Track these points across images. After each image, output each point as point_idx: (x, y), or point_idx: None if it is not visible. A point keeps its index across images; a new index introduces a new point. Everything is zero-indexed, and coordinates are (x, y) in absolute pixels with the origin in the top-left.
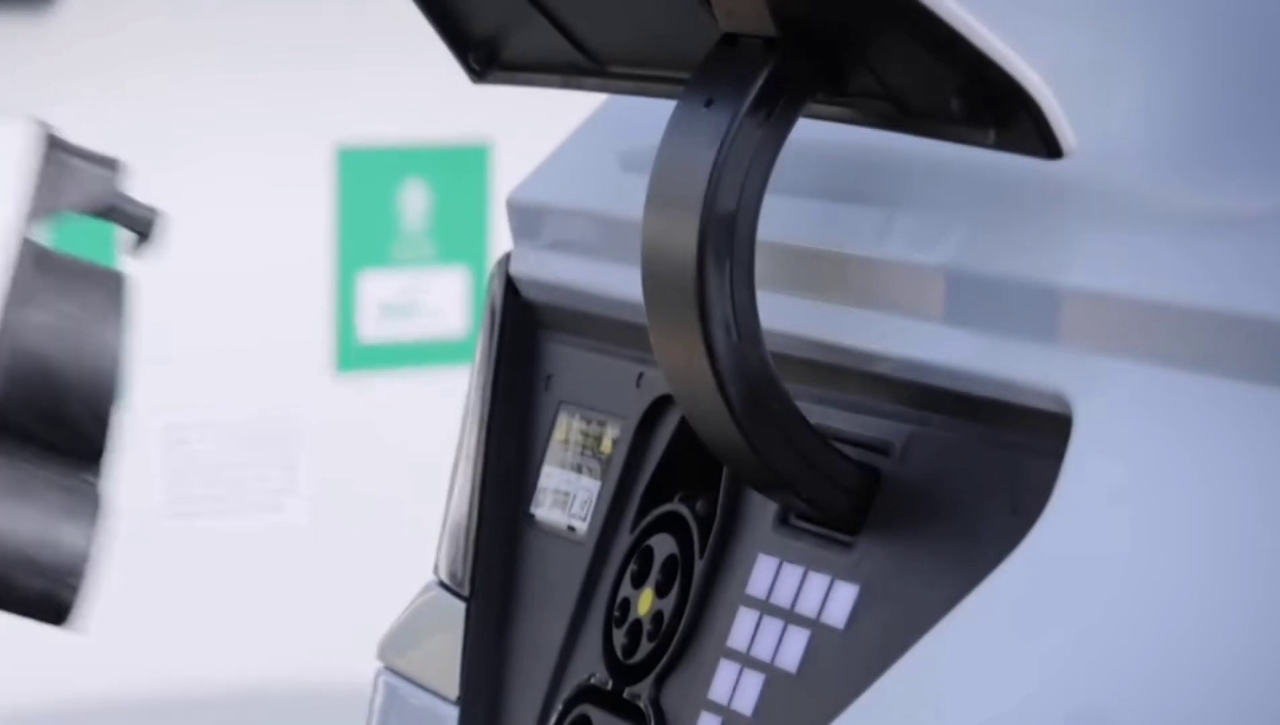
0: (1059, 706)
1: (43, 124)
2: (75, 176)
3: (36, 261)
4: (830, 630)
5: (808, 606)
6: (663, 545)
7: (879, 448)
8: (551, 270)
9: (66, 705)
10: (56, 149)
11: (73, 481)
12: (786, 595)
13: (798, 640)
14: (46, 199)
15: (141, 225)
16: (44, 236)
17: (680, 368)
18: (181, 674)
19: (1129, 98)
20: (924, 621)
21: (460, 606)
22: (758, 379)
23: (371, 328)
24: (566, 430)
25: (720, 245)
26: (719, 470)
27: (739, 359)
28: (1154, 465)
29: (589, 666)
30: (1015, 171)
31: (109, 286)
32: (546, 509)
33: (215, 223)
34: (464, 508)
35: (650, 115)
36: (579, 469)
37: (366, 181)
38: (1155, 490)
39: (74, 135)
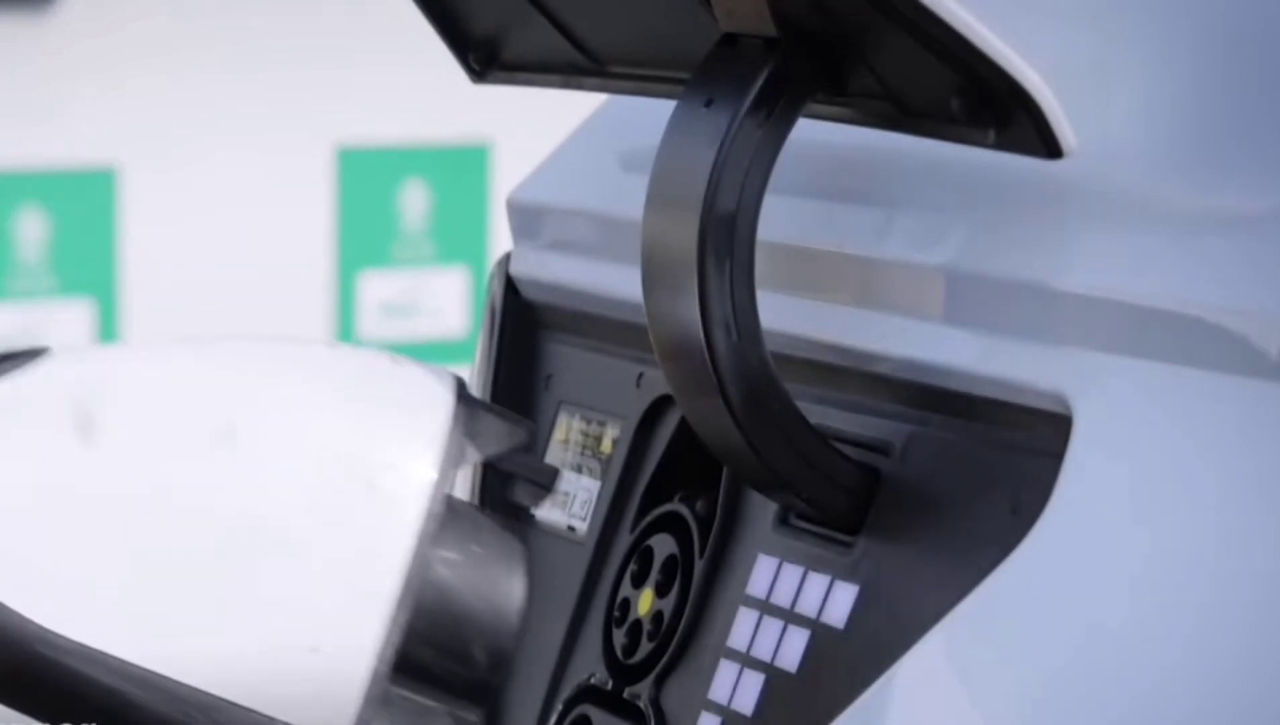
0: (1060, 706)
1: (458, 378)
2: (486, 430)
3: (449, 507)
4: (830, 630)
5: (808, 606)
6: (663, 545)
7: (879, 448)
8: (552, 270)
9: None
10: (471, 404)
11: (460, 717)
12: (786, 595)
13: (798, 640)
14: (459, 451)
15: (544, 478)
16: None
17: (680, 368)
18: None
19: (1129, 98)
20: (924, 621)
21: None
22: (758, 379)
23: (371, 328)
24: (566, 430)
25: (720, 245)
26: (719, 470)
27: (739, 359)
28: (1154, 465)
29: (589, 666)
30: (1015, 171)
31: (512, 537)
32: (546, 509)
33: (215, 223)
34: None
35: (650, 115)
36: (579, 469)
37: (366, 181)
38: (1156, 490)
39: (74, 135)
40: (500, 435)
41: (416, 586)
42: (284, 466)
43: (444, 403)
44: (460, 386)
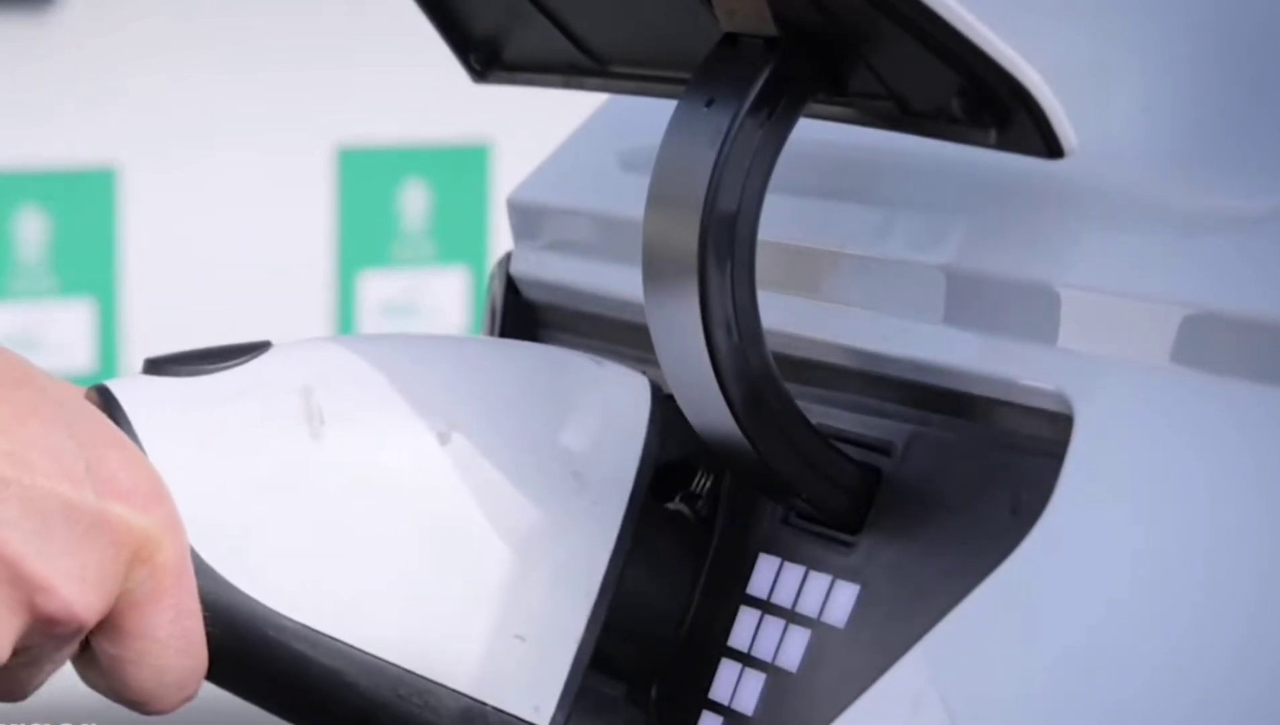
0: (1061, 705)
1: (653, 379)
2: (678, 432)
3: (644, 502)
4: (831, 630)
5: (809, 606)
6: None
7: (880, 448)
8: (552, 270)
9: (67, 708)
10: (666, 405)
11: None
12: (787, 595)
13: (799, 640)
14: (656, 449)
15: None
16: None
17: (681, 368)
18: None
19: (1129, 97)
20: (925, 621)
21: None
22: (759, 379)
23: (371, 328)
24: None
25: (721, 245)
26: (720, 470)
27: (740, 359)
28: (1155, 465)
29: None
30: (1015, 171)
31: (691, 532)
32: None
33: (215, 223)
34: None
35: (651, 115)
36: None
37: (366, 181)
38: (1156, 490)
39: (74, 135)
40: (689, 438)
41: (615, 578)
42: (497, 460)
43: (643, 402)
44: (655, 388)
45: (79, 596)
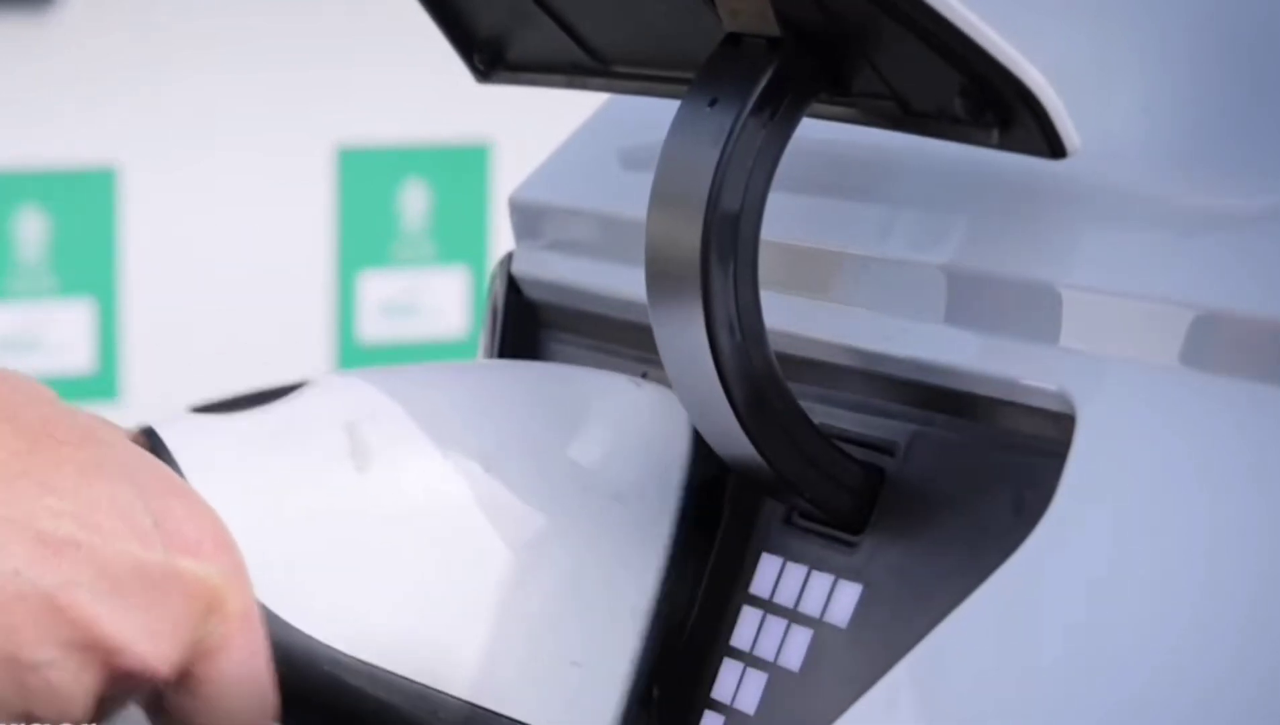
0: (1062, 706)
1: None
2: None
3: (688, 522)
4: (833, 629)
5: (811, 606)
6: None
7: (883, 447)
8: (553, 270)
9: None
10: None
11: None
12: (790, 595)
13: (801, 639)
14: (698, 468)
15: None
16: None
17: (684, 368)
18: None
19: (1130, 97)
20: (927, 621)
21: None
22: (762, 379)
23: (371, 327)
24: None
25: (724, 245)
26: (723, 470)
27: (743, 359)
28: (1157, 464)
29: None
30: (1017, 171)
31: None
32: None
33: (215, 223)
34: None
35: (652, 115)
36: None
37: (366, 181)
38: (1159, 489)
39: (74, 135)
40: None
41: (665, 598)
42: (541, 487)
43: (684, 420)
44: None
45: (153, 652)
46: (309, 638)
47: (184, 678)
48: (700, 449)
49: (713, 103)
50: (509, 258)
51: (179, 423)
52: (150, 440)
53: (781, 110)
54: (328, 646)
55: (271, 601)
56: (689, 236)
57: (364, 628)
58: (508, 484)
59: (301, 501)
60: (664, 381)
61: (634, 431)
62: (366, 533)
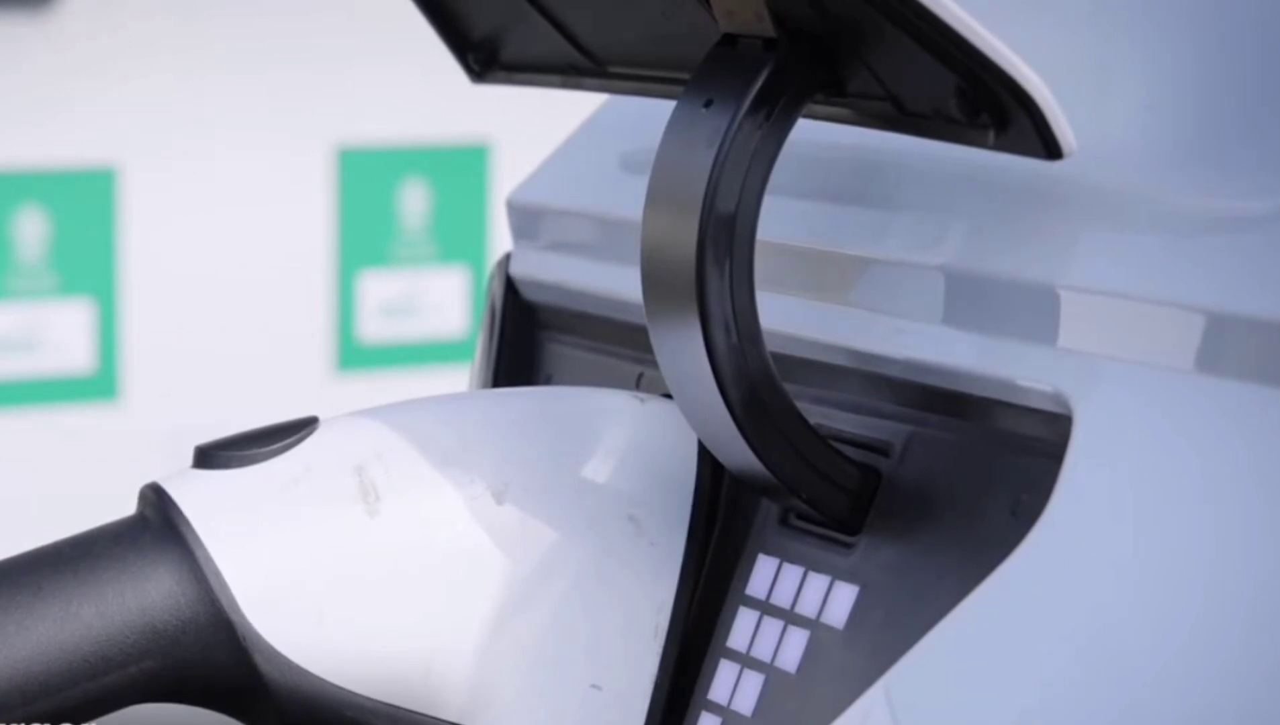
0: (1059, 707)
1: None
2: None
3: (701, 540)
4: (830, 631)
5: (808, 607)
6: None
7: (879, 448)
8: (551, 271)
9: None
10: None
11: None
12: (786, 596)
13: (798, 641)
14: (709, 484)
15: None
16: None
17: (680, 369)
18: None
19: (1129, 98)
20: (923, 622)
21: None
22: (758, 380)
23: (371, 328)
24: None
25: (720, 246)
26: (719, 470)
27: (739, 360)
28: (1154, 466)
29: None
30: (1015, 172)
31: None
32: None
33: (215, 223)
34: None
35: (650, 116)
36: None
37: (366, 181)
38: (1156, 491)
39: (74, 135)
40: None
41: (681, 616)
42: (553, 513)
43: (690, 435)
44: None
45: None
46: (327, 683)
47: None
48: (707, 462)
49: (708, 104)
50: (507, 259)
51: (187, 479)
52: (159, 498)
53: (777, 111)
54: (347, 690)
55: (291, 652)
56: (684, 237)
57: (384, 670)
58: (521, 515)
59: (315, 552)
60: (660, 382)
61: (642, 451)
62: (381, 576)
